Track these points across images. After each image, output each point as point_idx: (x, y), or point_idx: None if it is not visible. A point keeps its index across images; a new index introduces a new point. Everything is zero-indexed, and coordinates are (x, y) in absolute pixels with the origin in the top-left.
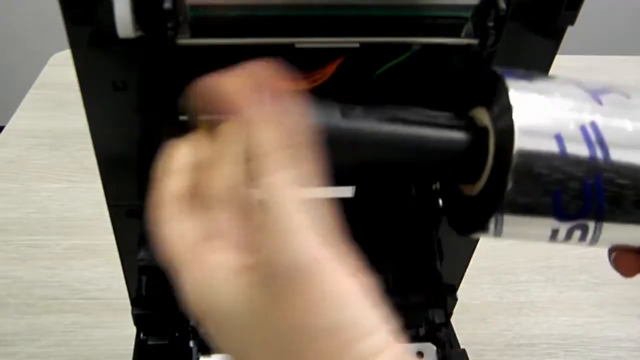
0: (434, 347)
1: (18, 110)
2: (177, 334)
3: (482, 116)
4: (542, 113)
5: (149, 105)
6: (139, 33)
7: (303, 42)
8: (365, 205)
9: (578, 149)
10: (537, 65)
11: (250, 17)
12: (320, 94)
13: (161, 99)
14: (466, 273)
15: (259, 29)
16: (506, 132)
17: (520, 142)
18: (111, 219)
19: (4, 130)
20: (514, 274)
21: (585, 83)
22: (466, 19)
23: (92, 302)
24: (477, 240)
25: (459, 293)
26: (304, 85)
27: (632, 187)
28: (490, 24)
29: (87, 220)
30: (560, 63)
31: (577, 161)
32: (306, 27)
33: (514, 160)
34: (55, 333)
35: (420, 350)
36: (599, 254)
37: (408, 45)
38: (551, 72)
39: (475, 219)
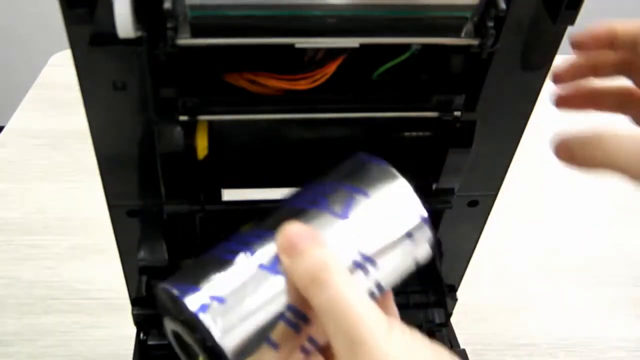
0: None
1: (18, 110)
2: None
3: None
4: (247, 332)
5: (149, 105)
6: (139, 33)
7: (303, 42)
8: None
9: (286, 334)
10: (537, 66)
11: (250, 17)
12: (320, 94)
13: (161, 99)
14: (466, 273)
15: (259, 29)
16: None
17: None
18: (111, 219)
19: (4, 130)
20: (514, 274)
21: (256, 253)
22: (466, 19)
23: (92, 302)
24: (477, 240)
25: (459, 293)
26: (304, 85)
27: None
28: (490, 24)
29: (87, 220)
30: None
31: (291, 341)
32: (306, 27)
33: None
34: (55, 333)
35: None
36: (599, 254)
37: (408, 45)
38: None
39: None
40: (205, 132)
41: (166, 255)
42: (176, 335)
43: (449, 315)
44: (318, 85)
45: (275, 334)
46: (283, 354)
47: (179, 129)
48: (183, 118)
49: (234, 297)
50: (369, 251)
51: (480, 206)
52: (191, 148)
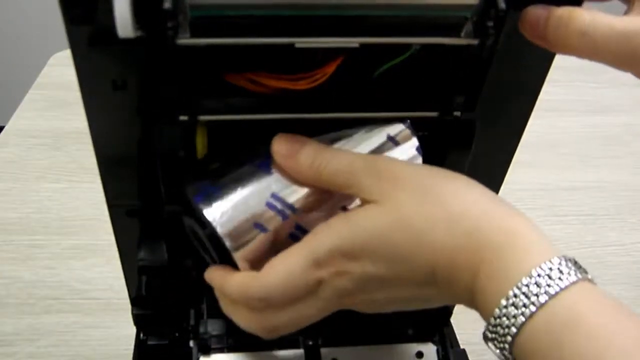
0: (434, 347)
1: (18, 110)
2: (177, 334)
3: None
4: (237, 216)
5: (148, 105)
6: (139, 33)
7: (303, 42)
8: None
9: (274, 220)
10: (537, 67)
11: (250, 17)
12: (320, 94)
13: (161, 99)
14: None
15: (259, 29)
16: (219, 241)
17: (233, 246)
18: (111, 219)
19: (4, 130)
20: None
21: (255, 159)
22: (466, 18)
23: (92, 302)
24: None
25: None
26: (304, 85)
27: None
28: (490, 24)
29: (87, 220)
30: (560, 63)
31: (279, 227)
32: (306, 27)
33: (235, 257)
34: (55, 333)
35: (420, 350)
36: (599, 254)
37: (407, 45)
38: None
39: None
40: (205, 132)
41: (166, 255)
42: (194, 234)
43: (449, 315)
44: (318, 85)
45: (264, 219)
46: (271, 237)
47: (178, 128)
48: (183, 118)
49: (228, 188)
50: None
51: None
52: (191, 148)
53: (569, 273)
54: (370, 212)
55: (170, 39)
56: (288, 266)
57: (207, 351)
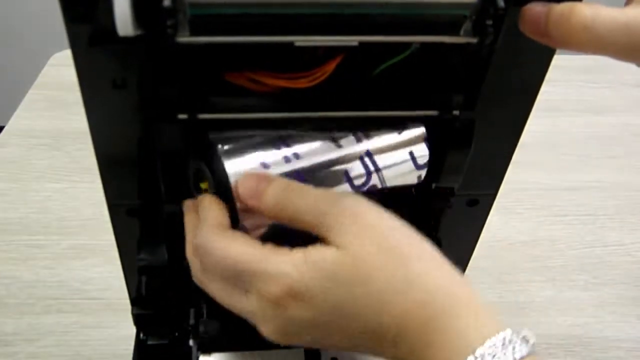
0: None
1: (18, 110)
2: (177, 334)
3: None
4: (246, 156)
5: (148, 104)
6: (139, 31)
7: (302, 40)
8: None
9: (278, 164)
10: (537, 65)
11: (249, 15)
12: (320, 92)
13: (161, 97)
14: (466, 273)
15: (259, 27)
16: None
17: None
18: (111, 219)
19: (4, 130)
20: (514, 274)
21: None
22: (465, 17)
23: (92, 302)
24: (476, 240)
25: None
26: (303, 83)
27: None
28: (489, 22)
29: (87, 220)
30: (560, 63)
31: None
32: (305, 26)
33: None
34: (55, 333)
35: None
36: (599, 254)
37: (407, 44)
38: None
39: None
40: None
41: (166, 255)
42: (198, 180)
43: None
44: (317, 83)
45: (268, 158)
46: (269, 178)
47: (178, 127)
48: (183, 116)
49: (243, 142)
50: (369, 147)
51: (480, 205)
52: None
53: (525, 345)
54: (332, 258)
55: (170, 37)
56: (238, 249)
57: (207, 350)
